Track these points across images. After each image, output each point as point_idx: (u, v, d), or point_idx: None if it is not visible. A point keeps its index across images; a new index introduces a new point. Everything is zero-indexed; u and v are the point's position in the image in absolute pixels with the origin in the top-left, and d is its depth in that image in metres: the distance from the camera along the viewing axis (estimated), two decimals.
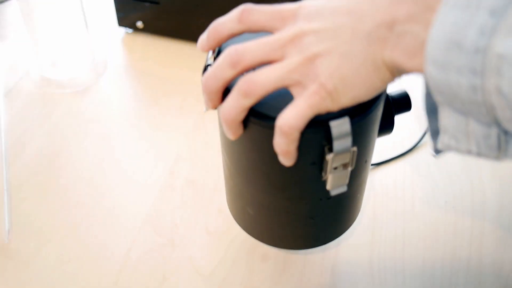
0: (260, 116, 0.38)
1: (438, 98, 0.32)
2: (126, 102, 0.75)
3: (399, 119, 0.72)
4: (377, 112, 0.41)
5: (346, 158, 0.39)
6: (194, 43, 0.83)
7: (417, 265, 0.56)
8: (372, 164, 0.65)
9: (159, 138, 0.68)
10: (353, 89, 0.35)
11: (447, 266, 0.55)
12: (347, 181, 0.41)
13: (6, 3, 0.88)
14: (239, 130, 0.39)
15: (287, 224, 0.47)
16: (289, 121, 0.36)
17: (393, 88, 0.49)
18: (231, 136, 0.40)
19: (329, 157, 0.38)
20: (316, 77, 0.35)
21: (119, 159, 0.66)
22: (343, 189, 0.42)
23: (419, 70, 0.32)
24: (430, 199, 0.62)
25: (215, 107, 0.40)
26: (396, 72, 0.35)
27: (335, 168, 0.39)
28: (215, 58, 0.42)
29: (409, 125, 0.71)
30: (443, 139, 0.34)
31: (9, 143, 0.68)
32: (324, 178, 0.41)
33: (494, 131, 0.31)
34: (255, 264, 0.55)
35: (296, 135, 0.36)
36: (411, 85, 0.69)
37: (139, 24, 0.82)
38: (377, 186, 0.63)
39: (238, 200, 0.49)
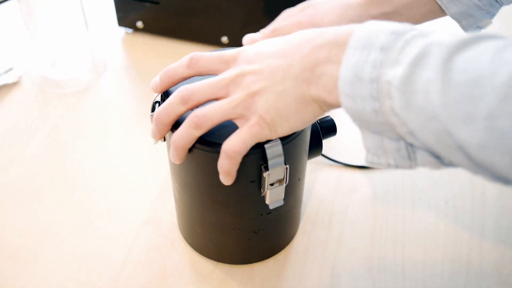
0: (204, 143, 0.44)
1: (356, 123, 0.39)
2: (126, 102, 0.75)
3: None
4: (305, 135, 0.48)
5: (280, 174, 0.45)
6: (194, 43, 0.83)
7: (417, 265, 0.56)
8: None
9: None
10: (288, 121, 0.41)
11: (447, 266, 0.55)
12: (283, 195, 0.47)
13: (6, 3, 0.88)
14: (185, 155, 0.45)
15: (232, 240, 0.53)
16: (233, 147, 0.42)
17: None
18: (177, 161, 0.45)
19: (265, 174, 0.44)
20: (256, 111, 0.41)
21: (119, 159, 0.66)
22: (280, 203, 0.48)
23: (338, 102, 0.39)
24: (430, 199, 0.62)
25: (162, 138, 0.47)
26: (324, 106, 0.41)
27: (272, 184, 0.46)
28: (162, 96, 0.48)
29: None
30: (367, 157, 0.40)
31: (9, 143, 0.68)
32: (263, 194, 0.47)
33: (402, 144, 0.37)
34: (254, 264, 0.55)
35: (238, 159, 0.42)
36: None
37: (139, 24, 0.82)
38: (377, 186, 0.63)
39: (187, 219, 0.54)
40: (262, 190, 0.47)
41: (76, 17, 0.74)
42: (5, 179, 0.64)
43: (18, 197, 0.62)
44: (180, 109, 0.43)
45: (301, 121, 0.42)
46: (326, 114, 0.47)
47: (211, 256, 0.55)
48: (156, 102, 0.48)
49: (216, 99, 0.43)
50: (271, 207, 0.47)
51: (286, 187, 0.47)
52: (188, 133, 0.43)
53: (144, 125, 0.70)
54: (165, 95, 0.48)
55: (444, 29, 0.35)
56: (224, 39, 0.80)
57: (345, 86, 0.37)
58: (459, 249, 0.57)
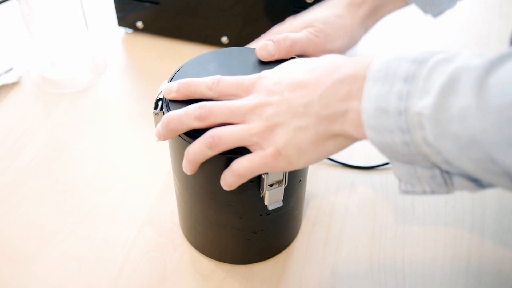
0: None
1: (384, 155, 0.38)
2: (126, 102, 0.75)
3: None
4: None
5: (279, 176, 0.45)
6: (194, 43, 0.83)
7: (417, 265, 0.56)
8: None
9: None
10: (306, 155, 0.41)
11: (447, 266, 0.55)
12: (282, 197, 0.47)
13: (6, 3, 0.88)
14: (197, 168, 0.45)
15: (232, 239, 0.53)
16: (243, 169, 0.42)
17: None
18: (189, 172, 0.45)
19: (264, 175, 0.45)
20: (273, 143, 0.41)
21: (119, 159, 0.66)
22: (279, 204, 0.48)
23: (365, 136, 0.38)
24: (430, 199, 0.62)
25: (165, 140, 0.46)
26: (350, 140, 0.40)
27: (271, 186, 0.46)
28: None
29: None
30: (400, 186, 0.40)
31: (9, 143, 0.68)
32: (262, 195, 0.47)
33: (437, 172, 0.37)
34: (255, 264, 0.55)
35: (243, 180, 0.43)
36: None
37: (139, 24, 0.82)
38: (377, 186, 0.63)
39: (188, 218, 0.55)
40: (261, 191, 0.47)
41: (76, 17, 0.74)
42: (5, 179, 0.64)
43: (18, 197, 0.62)
44: (194, 124, 0.44)
45: (320, 155, 0.41)
46: None
47: (212, 256, 0.55)
48: (160, 99, 0.48)
49: (232, 123, 0.43)
50: (270, 208, 0.48)
51: (286, 188, 0.47)
52: (201, 150, 0.43)
53: (144, 125, 0.70)
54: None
55: (464, 50, 0.35)
56: (224, 39, 0.80)
57: (370, 120, 0.36)
58: (459, 249, 0.57)
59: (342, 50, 0.58)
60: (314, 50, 0.55)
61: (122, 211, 0.60)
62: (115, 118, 0.72)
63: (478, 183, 0.36)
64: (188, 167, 0.45)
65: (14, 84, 0.76)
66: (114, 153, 0.67)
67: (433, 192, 0.38)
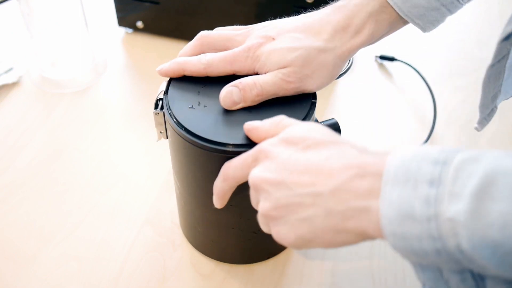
0: (206, 142, 0.44)
1: (408, 260, 0.35)
2: (126, 102, 0.75)
3: (402, 123, 0.73)
4: None
5: None
6: None
7: None
8: None
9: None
10: (312, 244, 0.39)
11: None
12: None
13: (6, 3, 0.88)
14: (225, 201, 0.45)
15: (232, 239, 0.53)
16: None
17: (325, 117, 0.52)
18: (218, 205, 0.46)
19: None
20: (275, 234, 0.40)
21: (119, 159, 0.66)
22: None
23: (385, 237, 0.35)
24: None
25: (165, 136, 0.47)
26: (365, 238, 0.37)
27: None
28: (165, 92, 0.48)
29: (410, 130, 0.71)
30: None
31: (9, 143, 0.68)
32: None
33: (468, 275, 0.34)
34: (255, 264, 0.55)
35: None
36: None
37: (139, 24, 0.82)
38: None
39: (188, 218, 0.55)
40: None
41: (76, 17, 0.74)
42: (5, 179, 0.64)
43: (18, 197, 0.62)
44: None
45: (325, 245, 0.38)
46: (330, 116, 0.47)
47: (212, 256, 0.55)
48: (160, 99, 0.48)
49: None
50: None
51: None
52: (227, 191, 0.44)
53: (144, 125, 0.70)
54: (167, 89, 0.48)
55: (484, 148, 0.33)
56: None
57: (393, 226, 0.33)
58: None
59: (315, 89, 0.49)
60: (285, 94, 0.48)
61: (122, 211, 0.60)
62: (115, 118, 0.72)
63: None
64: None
65: (14, 84, 0.76)
66: (114, 153, 0.67)
67: None
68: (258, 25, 0.51)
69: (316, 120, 0.50)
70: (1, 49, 0.82)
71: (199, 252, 0.56)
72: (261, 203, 0.40)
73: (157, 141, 0.47)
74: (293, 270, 0.55)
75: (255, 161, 0.41)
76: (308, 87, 0.48)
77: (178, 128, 0.45)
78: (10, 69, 0.77)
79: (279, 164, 0.39)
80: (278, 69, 0.47)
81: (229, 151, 0.43)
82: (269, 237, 0.53)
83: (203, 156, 0.45)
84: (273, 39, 0.48)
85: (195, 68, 0.49)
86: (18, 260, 0.56)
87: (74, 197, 0.62)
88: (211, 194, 0.48)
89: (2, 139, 0.69)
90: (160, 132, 0.50)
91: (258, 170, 0.40)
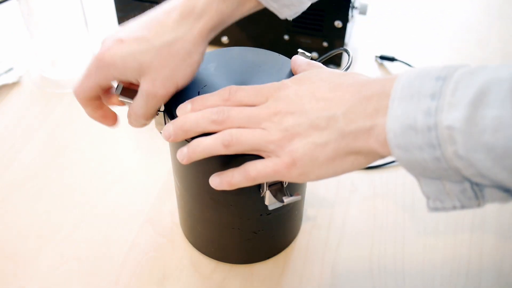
0: None
1: (412, 173, 0.38)
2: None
3: None
4: None
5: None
6: None
7: (417, 265, 0.56)
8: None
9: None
10: (321, 169, 0.40)
11: (447, 266, 0.55)
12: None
13: (6, 3, 0.88)
14: (196, 160, 0.44)
15: (232, 239, 0.53)
16: (255, 173, 0.42)
17: None
18: (186, 161, 0.44)
19: None
20: (289, 152, 0.40)
21: (119, 159, 0.66)
22: (280, 204, 0.47)
23: (391, 153, 0.37)
24: None
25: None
26: (374, 157, 0.39)
27: (271, 185, 0.45)
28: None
29: None
30: (429, 203, 0.39)
31: (9, 143, 0.68)
32: (262, 195, 0.47)
33: (467, 185, 0.36)
34: (255, 264, 0.55)
35: (254, 182, 0.42)
36: None
37: None
38: (377, 186, 0.63)
39: (188, 218, 0.55)
40: (261, 191, 0.47)
41: (76, 17, 0.74)
42: (5, 179, 0.64)
43: (18, 197, 0.62)
44: (210, 127, 0.43)
45: (336, 171, 0.40)
46: None
47: (212, 255, 0.55)
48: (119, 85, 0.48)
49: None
50: (270, 208, 0.47)
51: (286, 188, 0.47)
52: (215, 147, 0.42)
53: None
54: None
55: (465, 49, 0.35)
56: (224, 39, 0.80)
57: (397, 138, 0.36)
58: (459, 249, 0.57)
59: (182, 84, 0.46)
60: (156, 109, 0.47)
61: (122, 211, 0.60)
62: None
63: (510, 193, 0.36)
64: (190, 158, 0.43)
65: (14, 84, 0.76)
66: (114, 153, 0.67)
67: (463, 206, 0.37)
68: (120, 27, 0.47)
69: None
70: (1, 49, 0.82)
71: (199, 252, 0.56)
72: (273, 131, 0.41)
73: (160, 134, 0.46)
74: (293, 270, 0.55)
75: (265, 100, 0.43)
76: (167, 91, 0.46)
77: None
78: (10, 69, 0.77)
79: (290, 100, 0.42)
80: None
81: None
82: (269, 237, 0.54)
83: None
84: (122, 41, 0.46)
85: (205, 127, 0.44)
86: (18, 260, 0.56)
87: (74, 197, 0.62)
88: (211, 194, 0.48)
89: (2, 139, 0.69)
90: (160, 132, 0.50)
91: (273, 104, 0.42)
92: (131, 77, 0.46)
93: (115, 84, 0.49)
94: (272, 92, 0.43)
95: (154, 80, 0.45)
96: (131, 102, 0.48)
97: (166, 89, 0.45)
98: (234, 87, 0.44)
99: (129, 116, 0.49)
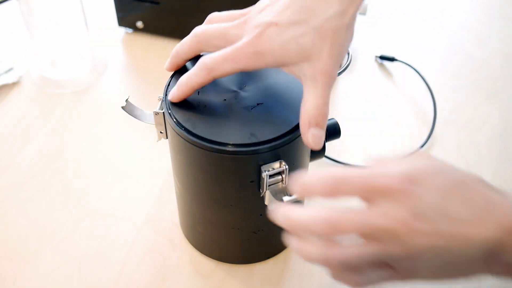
0: (205, 141, 0.43)
1: None
2: None
3: (402, 123, 0.72)
4: None
5: (279, 176, 0.45)
6: None
7: None
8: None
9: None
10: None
11: None
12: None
13: (6, 3, 0.88)
14: (187, 96, 0.46)
15: (232, 239, 0.53)
16: (209, 61, 0.45)
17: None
18: (176, 99, 0.46)
19: (264, 175, 0.44)
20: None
21: (119, 159, 0.66)
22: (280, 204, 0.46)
23: None
24: None
25: (165, 136, 0.47)
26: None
27: (271, 185, 0.45)
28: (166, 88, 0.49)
29: (410, 130, 0.71)
30: None
31: (9, 143, 0.68)
32: (262, 195, 0.47)
33: None
34: (255, 264, 0.55)
35: (211, 73, 0.45)
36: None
37: (139, 24, 0.82)
38: None
39: (188, 218, 0.55)
40: (261, 191, 0.47)
41: (76, 17, 0.74)
42: (5, 179, 0.64)
43: (18, 197, 0.62)
44: (194, 47, 0.47)
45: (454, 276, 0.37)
46: (330, 116, 0.47)
47: (212, 255, 0.55)
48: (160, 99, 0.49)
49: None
50: (270, 208, 0.47)
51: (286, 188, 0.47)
52: (197, 74, 0.45)
53: (144, 125, 0.70)
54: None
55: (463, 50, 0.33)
56: None
57: None
58: None
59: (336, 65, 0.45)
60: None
61: (122, 211, 0.60)
62: (115, 118, 0.72)
63: None
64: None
65: (14, 84, 0.76)
66: (114, 153, 0.67)
67: None
68: (254, 9, 0.45)
69: None
70: (1, 49, 0.82)
71: (199, 252, 0.56)
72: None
73: (157, 141, 0.47)
74: (293, 270, 0.55)
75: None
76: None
77: (178, 128, 0.45)
78: (10, 69, 0.77)
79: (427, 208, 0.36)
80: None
81: (229, 151, 0.43)
82: (269, 237, 0.54)
83: (203, 156, 0.45)
84: (276, 24, 0.42)
85: (200, 78, 0.45)
86: (18, 260, 0.56)
87: (74, 197, 0.62)
88: (211, 194, 0.48)
89: (2, 139, 0.69)
90: (160, 132, 0.50)
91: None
92: (289, 63, 0.43)
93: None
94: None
95: (327, 59, 0.42)
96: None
97: (337, 68, 0.43)
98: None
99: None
